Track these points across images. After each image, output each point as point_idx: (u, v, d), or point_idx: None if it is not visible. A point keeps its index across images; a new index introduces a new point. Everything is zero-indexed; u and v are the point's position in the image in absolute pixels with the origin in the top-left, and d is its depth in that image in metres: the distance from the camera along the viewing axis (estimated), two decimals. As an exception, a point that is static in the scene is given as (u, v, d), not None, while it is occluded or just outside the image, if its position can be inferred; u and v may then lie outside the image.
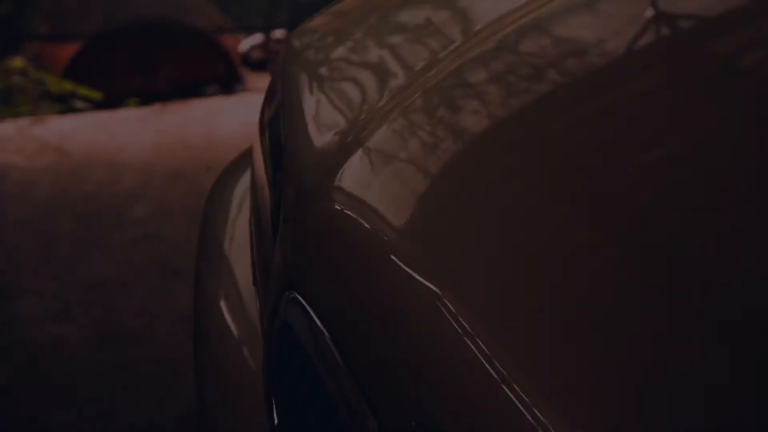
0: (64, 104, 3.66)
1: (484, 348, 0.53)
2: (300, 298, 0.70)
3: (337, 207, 0.74)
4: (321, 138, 0.89)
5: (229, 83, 4.76)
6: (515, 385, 0.44)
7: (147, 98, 3.68)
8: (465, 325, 0.57)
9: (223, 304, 1.13)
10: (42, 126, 3.29)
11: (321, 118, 0.93)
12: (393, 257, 0.66)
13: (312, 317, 0.68)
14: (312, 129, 0.92)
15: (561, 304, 0.55)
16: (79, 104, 3.67)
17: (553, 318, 0.50)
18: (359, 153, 0.78)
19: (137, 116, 3.41)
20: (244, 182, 1.46)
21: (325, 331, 0.66)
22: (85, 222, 2.62)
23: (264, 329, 0.78)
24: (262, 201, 0.97)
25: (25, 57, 4.25)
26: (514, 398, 0.43)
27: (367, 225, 0.70)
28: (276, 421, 0.76)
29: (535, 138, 0.71)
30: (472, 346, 0.56)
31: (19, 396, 1.93)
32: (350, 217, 0.72)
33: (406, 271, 0.63)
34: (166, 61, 4.37)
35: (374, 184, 0.73)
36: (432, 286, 0.59)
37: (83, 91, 3.67)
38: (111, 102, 3.64)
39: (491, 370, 0.48)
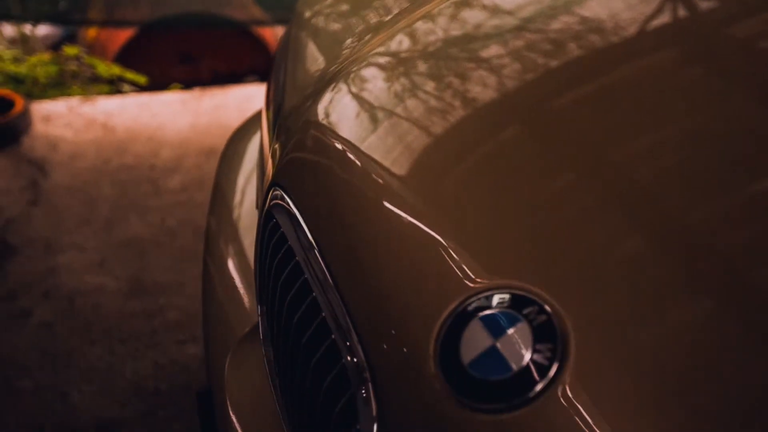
0: (112, 86, 3.86)
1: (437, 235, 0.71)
2: (281, 190, 0.86)
3: (311, 121, 0.90)
4: (307, 78, 1.05)
5: (267, 73, 4.91)
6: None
7: (189, 86, 3.87)
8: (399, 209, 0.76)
9: (230, 261, 1.20)
10: (90, 105, 3.49)
11: (313, 64, 1.08)
12: (347, 158, 0.82)
13: (288, 203, 0.84)
14: (303, 72, 1.08)
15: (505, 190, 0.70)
16: (126, 87, 3.88)
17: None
18: (332, 86, 0.93)
19: (178, 99, 3.60)
20: (255, 144, 1.56)
21: (297, 213, 0.81)
22: (125, 189, 2.80)
23: (257, 229, 0.93)
24: (266, 166, 1.04)
25: (80, 44, 4.47)
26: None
27: (332, 138, 0.86)
28: (259, 295, 0.91)
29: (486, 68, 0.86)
30: (424, 227, 0.72)
31: (59, 332, 2.11)
32: (321, 130, 0.88)
33: (356, 166, 0.79)
34: (208, 51, 4.56)
35: (341, 110, 0.88)
36: (374, 179, 0.76)
37: (130, 75, 3.87)
38: (155, 87, 3.84)
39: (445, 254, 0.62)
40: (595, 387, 0.52)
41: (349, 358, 0.65)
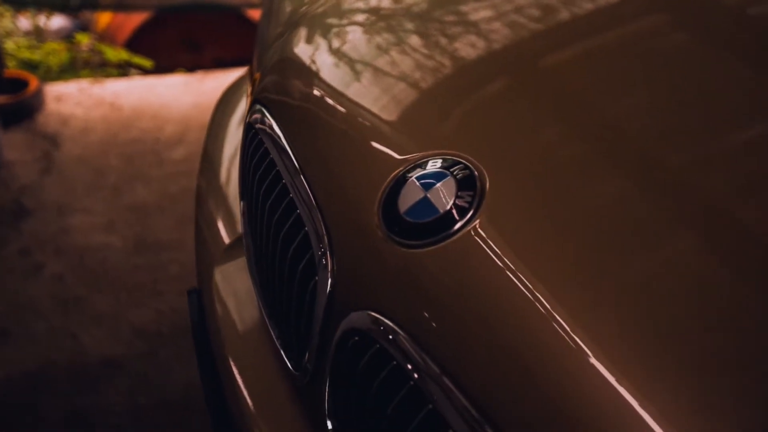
0: (121, 70, 3.94)
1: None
2: (260, 105, 0.94)
3: (284, 52, 0.98)
4: (280, 21, 1.12)
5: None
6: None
7: (193, 71, 3.95)
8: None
9: (219, 218, 1.22)
10: (99, 86, 3.57)
11: (290, 6, 1.15)
12: (320, 79, 0.89)
13: (266, 116, 0.92)
14: (282, 14, 1.16)
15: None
16: (133, 71, 3.96)
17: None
18: (300, 27, 1.01)
19: (182, 81, 3.68)
20: (241, 109, 1.60)
21: (273, 123, 0.89)
22: (131, 160, 2.88)
23: (241, 145, 1.01)
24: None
25: (92, 33, 4.55)
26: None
27: (301, 67, 0.94)
28: (241, 193, 0.99)
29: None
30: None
31: (70, 282, 2.19)
32: (293, 60, 0.96)
33: (328, 84, 0.87)
34: (212, 40, 4.63)
35: (305, 46, 0.97)
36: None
37: (137, 60, 3.95)
38: (161, 72, 3.92)
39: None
40: (503, 224, 0.61)
41: (309, 226, 0.74)
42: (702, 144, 0.63)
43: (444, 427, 0.55)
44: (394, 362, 0.60)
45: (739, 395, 0.47)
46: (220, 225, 1.16)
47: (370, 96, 0.80)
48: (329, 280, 0.70)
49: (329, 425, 0.70)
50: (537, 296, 0.55)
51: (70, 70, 4.04)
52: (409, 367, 0.59)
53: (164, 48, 4.50)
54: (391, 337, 0.61)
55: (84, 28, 5.15)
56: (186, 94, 3.51)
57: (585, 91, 0.71)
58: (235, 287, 1.00)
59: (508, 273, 0.57)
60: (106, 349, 1.96)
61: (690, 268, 0.54)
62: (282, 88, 0.93)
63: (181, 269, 2.27)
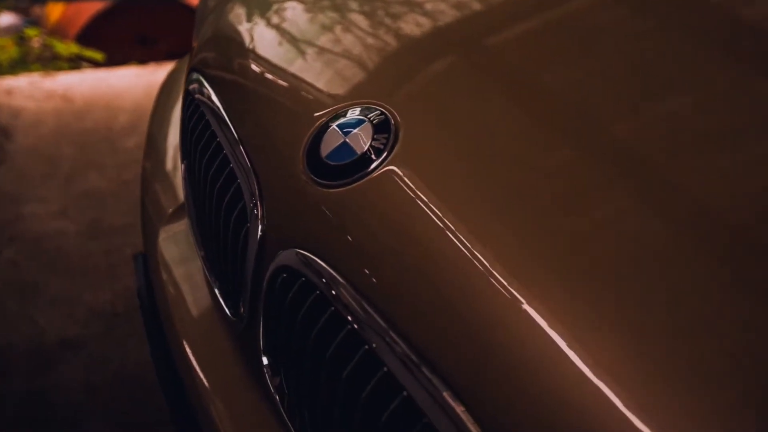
0: (72, 64, 3.91)
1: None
2: (198, 74, 0.97)
3: (220, 21, 1.00)
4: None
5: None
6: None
7: (145, 63, 3.93)
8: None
9: (162, 192, 1.24)
10: (50, 80, 3.54)
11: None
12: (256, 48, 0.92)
13: (203, 83, 0.94)
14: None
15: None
16: (85, 65, 3.92)
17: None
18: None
19: (134, 73, 3.67)
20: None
21: (212, 93, 0.92)
22: (84, 149, 2.87)
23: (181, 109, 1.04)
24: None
25: (41, 25, 4.50)
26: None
27: (235, 34, 0.97)
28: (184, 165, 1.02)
29: None
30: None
31: (25, 267, 2.19)
32: (228, 28, 0.98)
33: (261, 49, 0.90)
34: (165, 34, 4.61)
35: (240, 14, 0.99)
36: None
37: (88, 53, 3.92)
38: (113, 65, 3.89)
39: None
40: (415, 162, 0.65)
41: (242, 180, 0.77)
42: (629, 108, 0.66)
43: (362, 344, 0.59)
44: (318, 292, 0.63)
45: (669, 338, 0.48)
46: (164, 197, 1.19)
47: (297, 60, 0.83)
48: (259, 227, 0.73)
49: (264, 361, 0.74)
50: (448, 226, 0.59)
51: (21, 65, 3.99)
52: (333, 293, 0.62)
53: (117, 42, 4.46)
54: (315, 269, 0.64)
55: (34, 23, 5.08)
56: (138, 86, 3.50)
57: (503, 51, 0.75)
58: (178, 248, 1.03)
59: (421, 205, 0.61)
60: (63, 331, 1.96)
61: (597, 202, 0.58)
62: (217, 55, 0.96)
63: (135, 252, 2.27)
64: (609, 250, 0.54)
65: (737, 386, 0.45)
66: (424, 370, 0.53)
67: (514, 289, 0.53)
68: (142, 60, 4.18)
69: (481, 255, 0.55)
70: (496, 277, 0.54)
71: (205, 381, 0.86)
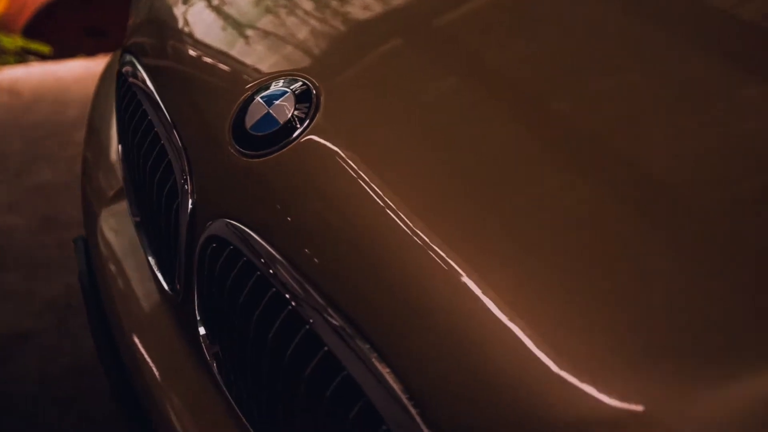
0: (18, 57, 3.83)
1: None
2: (130, 56, 0.97)
3: (154, 5, 1.00)
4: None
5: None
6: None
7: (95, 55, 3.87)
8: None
9: (103, 178, 1.26)
10: (-2, 75, 3.48)
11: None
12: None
13: (135, 64, 0.94)
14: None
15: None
16: (32, 58, 3.85)
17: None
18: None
19: (82, 65, 3.62)
20: None
21: (146, 76, 0.92)
22: (34, 143, 2.83)
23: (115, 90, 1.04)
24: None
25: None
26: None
27: (168, 15, 0.97)
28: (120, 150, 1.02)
29: None
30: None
31: (-26, 264, 2.16)
32: (161, 9, 0.99)
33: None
34: (116, 25, 4.53)
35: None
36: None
37: (34, 46, 3.85)
38: (62, 58, 3.83)
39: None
40: (336, 129, 0.66)
41: (171, 153, 0.78)
42: (564, 80, 0.66)
43: (287, 305, 0.60)
44: (245, 258, 0.65)
45: (608, 305, 0.49)
46: (105, 182, 1.19)
47: (225, 38, 0.84)
48: (190, 201, 0.74)
49: (201, 331, 0.75)
50: (367, 189, 0.60)
51: (-34, 60, 3.91)
52: (260, 260, 0.63)
53: (65, 34, 4.38)
54: (242, 237, 0.65)
55: (-21, 18, 4.97)
56: (87, 77, 3.45)
57: (429, 24, 0.77)
58: (119, 228, 1.03)
59: (342, 169, 0.62)
60: (17, 323, 1.94)
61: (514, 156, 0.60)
62: (149, 36, 0.96)
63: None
64: (539, 216, 0.55)
65: (659, 335, 0.47)
66: (343, 324, 0.55)
67: (434, 244, 0.54)
68: (92, 52, 4.12)
69: (398, 211, 0.57)
70: (414, 232, 0.55)
71: (149, 360, 0.87)
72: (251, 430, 0.70)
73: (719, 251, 0.50)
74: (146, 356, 0.86)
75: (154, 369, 0.82)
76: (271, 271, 0.62)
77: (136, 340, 0.88)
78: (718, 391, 0.44)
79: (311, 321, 0.58)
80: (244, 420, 0.71)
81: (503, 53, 0.70)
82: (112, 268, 0.96)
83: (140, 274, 0.94)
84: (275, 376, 0.61)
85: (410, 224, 0.56)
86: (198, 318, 0.75)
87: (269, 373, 0.62)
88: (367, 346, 0.52)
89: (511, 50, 0.70)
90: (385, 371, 0.51)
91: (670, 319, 0.47)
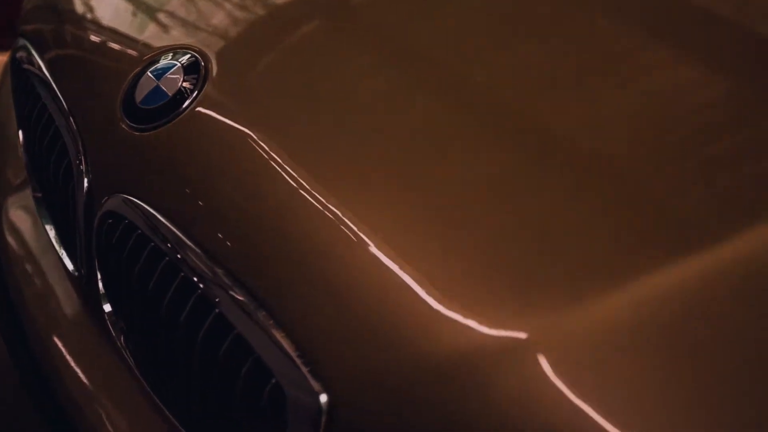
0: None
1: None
2: (24, 40, 0.95)
3: None
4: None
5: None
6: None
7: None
8: None
9: (10, 173, 1.25)
10: None
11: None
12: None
13: (29, 48, 0.93)
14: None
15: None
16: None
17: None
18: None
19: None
20: None
21: (38, 58, 0.90)
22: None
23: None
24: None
25: None
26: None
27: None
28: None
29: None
30: None
31: None
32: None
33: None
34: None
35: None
36: None
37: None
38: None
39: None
40: (224, 98, 0.67)
41: (65, 134, 0.77)
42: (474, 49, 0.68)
43: (179, 273, 0.61)
44: (139, 231, 0.65)
45: (483, 241, 0.51)
46: (11, 172, 1.16)
47: (115, 17, 0.83)
48: (85, 180, 0.74)
49: (107, 308, 0.74)
50: (255, 155, 0.61)
51: None
52: (156, 233, 0.63)
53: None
54: (136, 210, 0.65)
55: None
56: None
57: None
58: (25, 217, 1.01)
59: (236, 135, 0.63)
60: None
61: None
62: (43, 20, 0.94)
63: None
64: (448, 184, 0.56)
65: (532, 267, 0.49)
66: (231, 283, 0.56)
67: (322, 196, 0.56)
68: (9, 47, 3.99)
69: (288, 176, 0.58)
70: (300, 193, 0.57)
71: (61, 347, 0.86)
72: (163, 407, 0.70)
73: (600, 194, 0.53)
74: (60, 346, 0.85)
75: (71, 364, 0.81)
76: (165, 243, 0.62)
77: (44, 327, 0.86)
78: (589, 309, 0.46)
79: (201, 286, 0.59)
80: (156, 400, 0.71)
81: (403, 21, 0.72)
82: (18, 250, 0.94)
83: (48, 259, 0.93)
84: (169, 338, 0.61)
85: (297, 185, 0.57)
86: (101, 295, 0.74)
87: (165, 337, 0.62)
88: (252, 301, 0.54)
89: (409, 21, 0.72)
90: (268, 323, 0.52)
91: (542, 253, 0.50)
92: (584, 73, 0.64)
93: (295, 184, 0.57)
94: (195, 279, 0.59)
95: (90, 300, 0.82)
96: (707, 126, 0.59)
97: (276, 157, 0.60)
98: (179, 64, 0.69)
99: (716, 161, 0.56)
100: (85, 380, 0.81)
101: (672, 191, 0.53)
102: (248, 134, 0.62)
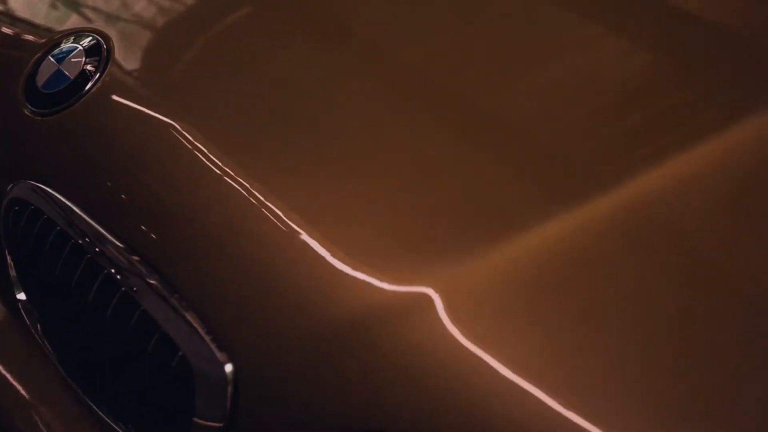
0: None
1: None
2: None
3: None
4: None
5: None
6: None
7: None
8: None
9: None
10: None
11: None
12: None
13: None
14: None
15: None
16: None
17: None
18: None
19: None
20: None
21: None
22: None
23: None
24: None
25: None
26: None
27: None
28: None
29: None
30: None
31: None
32: None
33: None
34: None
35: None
36: None
37: None
38: None
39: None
40: (127, 81, 0.67)
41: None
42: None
43: (86, 254, 0.61)
44: (45, 216, 0.64)
45: (380, 200, 0.53)
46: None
47: (16, 4, 0.81)
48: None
49: (21, 296, 0.73)
50: (156, 132, 0.61)
51: None
52: (61, 215, 0.63)
53: None
54: (41, 195, 0.65)
55: None
56: None
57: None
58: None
59: (140, 115, 0.63)
60: None
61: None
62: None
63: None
64: (346, 153, 0.57)
65: (431, 224, 0.51)
66: (135, 262, 0.56)
67: (219, 168, 0.56)
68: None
69: (192, 149, 0.59)
70: (201, 163, 0.57)
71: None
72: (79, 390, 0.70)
73: (495, 152, 0.55)
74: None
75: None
76: (70, 226, 0.62)
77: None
78: (486, 261, 0.48)
79: (107, 267, 0.59)
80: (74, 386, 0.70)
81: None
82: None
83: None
84: (79, 319, 0.61)
85: (200, 157, 0.58)
86: (14, 283, 0.73)
87: (76, 318, 0.62)
88: (155, 275, 0.54)
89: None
90: (172, 297, 0.53)
91: (438, 209, 0.52)
92: (506, 50, 0.65)
93: (195, 159, 0.58)
94: (101, 261, 0.59)
95: (6, 293, 0.81)
96: (608, 94, 0.61)
97: (182, 136, 0.60)
98: (81, 47, 0.68)
99: (607, 121, 0.58)
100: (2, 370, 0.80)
101: (565, 148, 0.55)
102: (152, 112, 0.62)
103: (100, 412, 0.64)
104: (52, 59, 0.69)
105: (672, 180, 0.51)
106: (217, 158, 0.57)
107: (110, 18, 0.72)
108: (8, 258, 0.72)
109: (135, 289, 0.56)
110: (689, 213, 0.51)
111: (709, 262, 0.49)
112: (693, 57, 0.62)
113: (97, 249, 0.60)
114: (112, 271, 0.58)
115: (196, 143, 0.59)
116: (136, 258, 0.57)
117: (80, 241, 0.60)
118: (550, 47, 0.64)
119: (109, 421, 0.64)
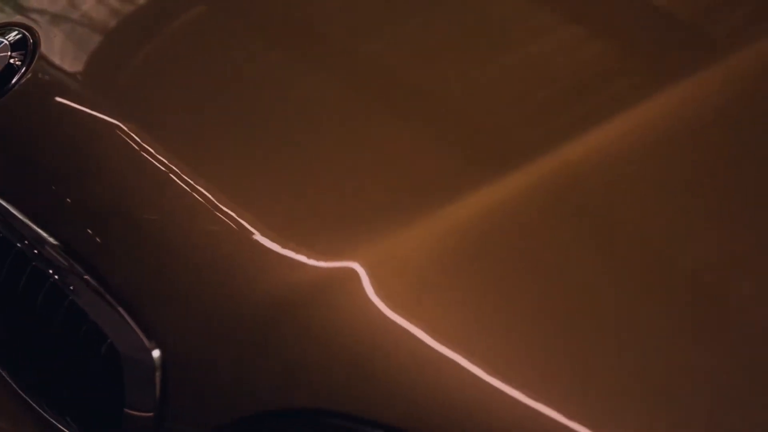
0: None
1: None
2: None
3: None
4: None
5: None
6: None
7: None
8: None
9: None
10: None
11: None
12: None
13: None
14: None
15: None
16: None
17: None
18: None
19: None
20: None
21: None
22: None
23: None
24: None
25: None
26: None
27: None
28: None
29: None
30: None
31: None
32: None
33: None
34: None
35: None
36: None
37: None
38: None
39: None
40: (53, 74, 0.66)
41: None
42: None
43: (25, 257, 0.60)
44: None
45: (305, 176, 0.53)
46: None
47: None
48: None
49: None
50: (84, 123, 0.60)
51: None
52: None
53: None
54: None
55: None
56: None
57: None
58: None
59: (68, 108, 0.63)
60: None
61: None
62: None
63: None
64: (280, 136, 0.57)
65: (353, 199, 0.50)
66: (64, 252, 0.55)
67: (145, 151, 0.56)
68: None
69: (108, 134, 0.58)
70: (132, 154, 0.57)
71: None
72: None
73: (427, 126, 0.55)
74: None
75: None
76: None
77: None
78: (413, 234, 0.48)
79: (34, 259, 0.58)
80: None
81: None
82: None
83: None
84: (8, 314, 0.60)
85: (127, 149, 0.57)
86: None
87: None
88: (80, 265, 0.54)
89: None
90: (99, 288, 0.52)
91: (365, 183, 0.52)
92: (433, 28, 0.65)
93: (123, 151, 0.57)
94: (27, 251, 0.58)
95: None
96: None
97: (111, 129, 0.59)
98: (6, 41, 0.67)
99: (529, 93, 0.58)
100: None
101: (487, 121, 0.55)
102: (79, 106, 0.62)
103: (39, 409, 0.63)
104: (-24, 58, 0.67)
105: (594, 150, 0.52)
106: (143, 148, 0.57)
107: (36, 12, 0.71)
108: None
109: (62, 279, 0.55)
110: (611, 182, 0.51)
111: (630, 230, 0.49)
112: (614, 28, 0.63)
113: (26, 242, 0.59)
114: (38, 261, 0.57)
115: (124, 137, 0.58)
116: (60, 246, 0.57)
117: (4, 233, 0.60)
118: (477, 21, 0.64)
119: (49, 418, 0.63)
